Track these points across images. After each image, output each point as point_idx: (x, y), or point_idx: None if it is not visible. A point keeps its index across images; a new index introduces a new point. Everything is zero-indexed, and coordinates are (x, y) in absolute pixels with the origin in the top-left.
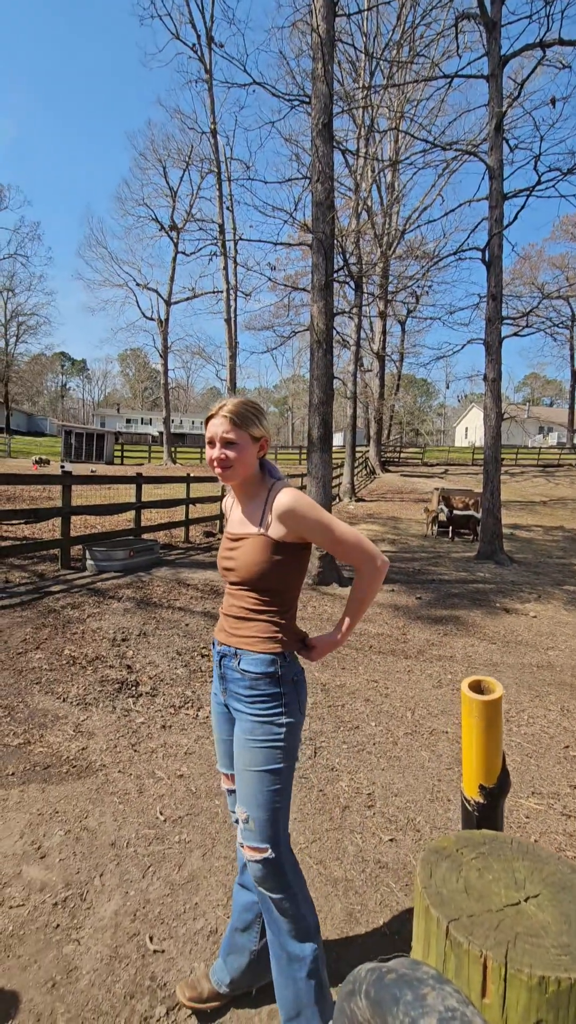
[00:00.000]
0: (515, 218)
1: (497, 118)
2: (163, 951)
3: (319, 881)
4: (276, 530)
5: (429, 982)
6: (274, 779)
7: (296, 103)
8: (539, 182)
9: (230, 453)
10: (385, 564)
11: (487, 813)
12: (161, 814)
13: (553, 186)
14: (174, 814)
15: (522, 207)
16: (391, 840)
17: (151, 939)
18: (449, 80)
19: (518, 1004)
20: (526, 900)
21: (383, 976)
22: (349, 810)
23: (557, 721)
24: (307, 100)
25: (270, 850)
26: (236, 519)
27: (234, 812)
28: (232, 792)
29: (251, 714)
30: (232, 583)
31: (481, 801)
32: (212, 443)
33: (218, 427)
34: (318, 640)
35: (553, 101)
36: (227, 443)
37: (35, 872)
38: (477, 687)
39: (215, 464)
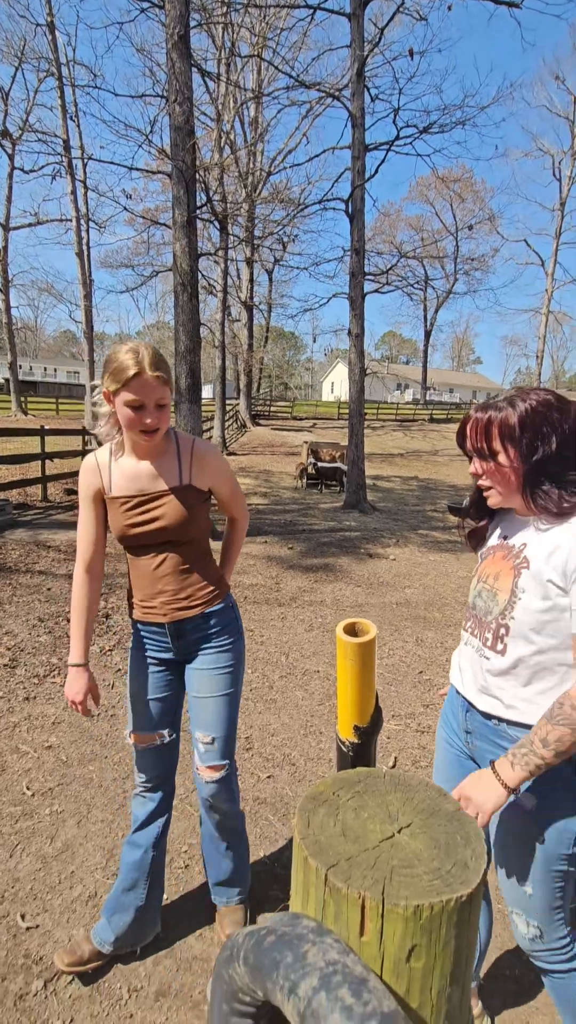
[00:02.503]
0: (376, 171)
1: (359, 62)
2: (37, 926)
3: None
4: (200, 480)
5: (309, 937)
6: (234, 700)
7: (147, 5)
8: (398, 137)
9: (163, 416)
10: None
11: (361, 751)
12: (28, 789)
13: (411, 143)
14: (43, 787)
15: (383, 160)
16: (269, 777)
17: (23, 917)
18: (312, 12)
19: (394, 935)
20: (400, 831)
21: (262, 940)
22: None
23: (413, 651)
24: (159, 4)
25: (228, 764)
26: (141, 475)
27: (142, 772)
28: (149, 749)
29: (216, 646)
30: (156, 544)
31: (356, 741)
32: (141, 407)
33: (154, 391)
34: None
35: (411, 52)
36: (161, 407)
37: None
38: (351, 630)
39: (148, 430)
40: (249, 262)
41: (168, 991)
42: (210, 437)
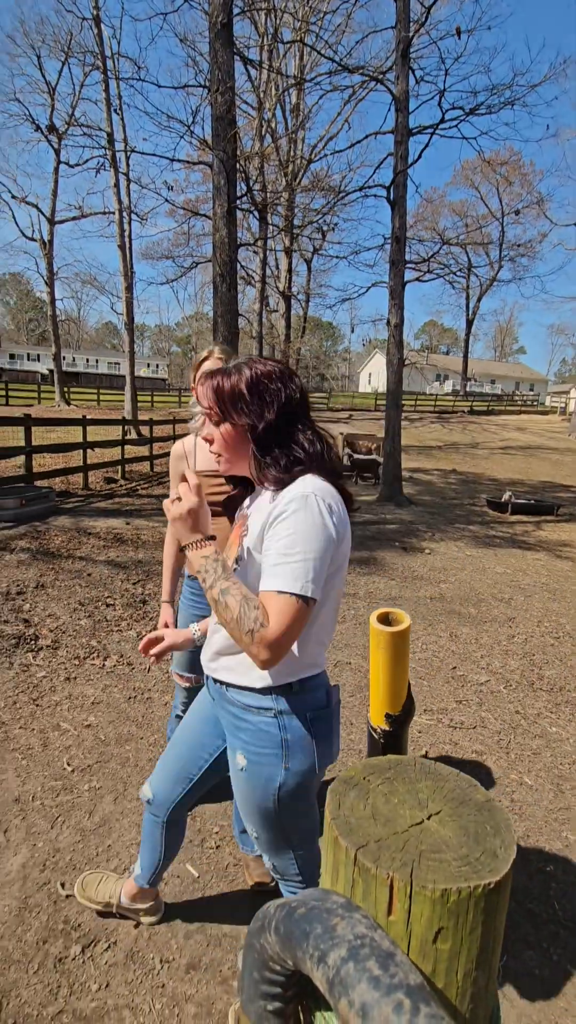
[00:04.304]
0: (419, 156)
1: (404, 43)
2: (75, 895)
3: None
4: None
5: (338, 911)
6: None
7: None
8: (443, 120)
9: None
10: None
11: (392, 739)
12: (68, 765)
13: (456, 126)
14: (83, 764)
15: (426, 145)
16: None
17: (63, 885)
18: None
19: (422, 917)
20: (429, 818)
21: (293, 911)
22: None
23: (446, 646)
24: None
25: None
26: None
27: (181, 702)
28: (187, 689)
29: None
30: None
31: (387, 728)
32: None
33: (219, 364)
34: None
35: (459, 31)
36: None
37: None
38: (385, 619)
39: None
40: (288, 252)
41: (199, 964)
42: None
